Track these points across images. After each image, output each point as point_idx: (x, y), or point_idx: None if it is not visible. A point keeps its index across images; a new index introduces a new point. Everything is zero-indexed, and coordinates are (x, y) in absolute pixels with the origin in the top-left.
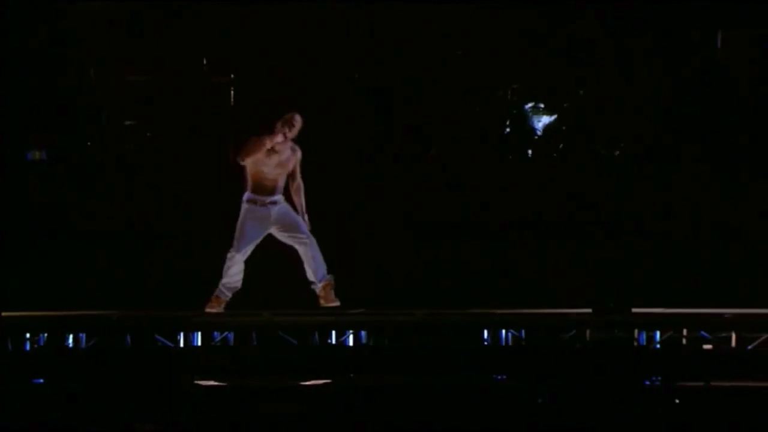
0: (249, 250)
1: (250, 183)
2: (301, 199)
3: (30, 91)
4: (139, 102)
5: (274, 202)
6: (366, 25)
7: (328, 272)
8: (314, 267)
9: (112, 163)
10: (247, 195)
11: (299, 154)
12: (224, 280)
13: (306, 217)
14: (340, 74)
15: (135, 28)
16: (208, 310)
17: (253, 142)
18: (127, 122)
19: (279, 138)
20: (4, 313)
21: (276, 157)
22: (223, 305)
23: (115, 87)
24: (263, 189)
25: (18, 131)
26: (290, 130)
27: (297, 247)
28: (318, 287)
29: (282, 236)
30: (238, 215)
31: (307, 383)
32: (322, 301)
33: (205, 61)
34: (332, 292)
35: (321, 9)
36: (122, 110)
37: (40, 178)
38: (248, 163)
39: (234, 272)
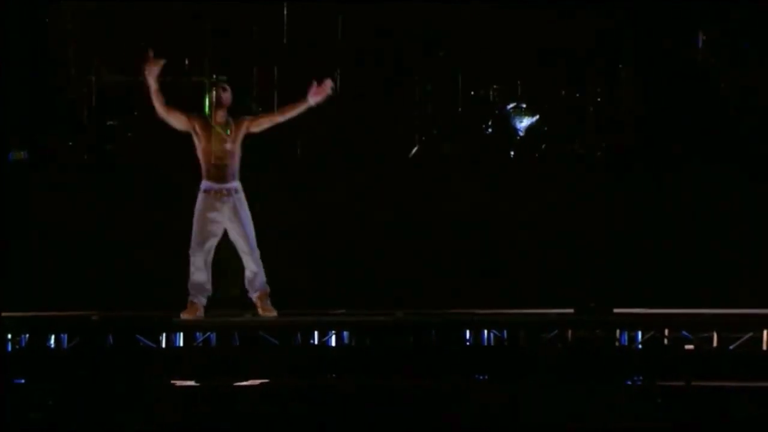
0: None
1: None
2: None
3: (11, 91)
4: (121, 102)
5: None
6: (347, 25)
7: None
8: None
9: (94, 162)
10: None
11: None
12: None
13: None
14: (321, 74)
15: (116, 28)
16: (183, 316)
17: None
18: (109, 122)
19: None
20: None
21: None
22: (197, 313)
23: (96, 87)
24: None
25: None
26: (220, 106)
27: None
28: (254, 296)
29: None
30: None
31: (289, 383)
32: (259, 311)
33: (186, 62)
34: (268, 301)
35: (302, 9)
36: (104, 110)
37: (21, 178)
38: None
39: (193, 271)
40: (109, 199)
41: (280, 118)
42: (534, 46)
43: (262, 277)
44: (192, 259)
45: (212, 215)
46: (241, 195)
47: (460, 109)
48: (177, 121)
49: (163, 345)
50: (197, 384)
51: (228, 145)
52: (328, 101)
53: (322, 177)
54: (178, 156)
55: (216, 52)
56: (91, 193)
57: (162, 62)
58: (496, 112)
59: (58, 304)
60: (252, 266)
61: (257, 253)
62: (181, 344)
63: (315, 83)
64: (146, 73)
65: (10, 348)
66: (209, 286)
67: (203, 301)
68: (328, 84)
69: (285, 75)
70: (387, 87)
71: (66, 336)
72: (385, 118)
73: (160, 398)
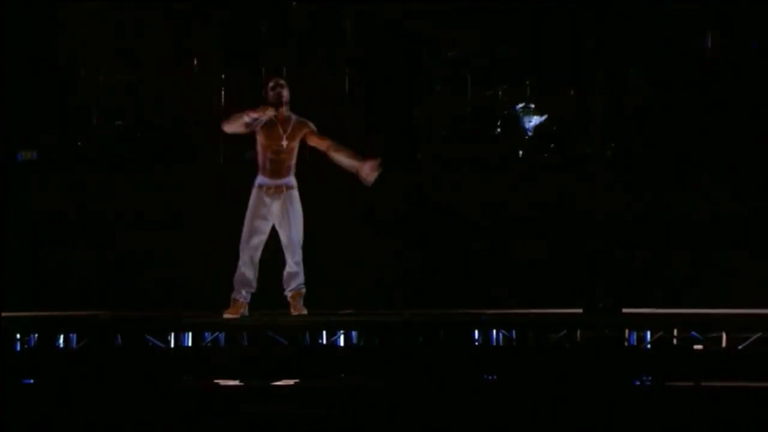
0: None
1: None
2: (343, 156)
3: (20, 92)
4: (130, 102)
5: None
6: (356, 25)
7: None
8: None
9: (103, 162)
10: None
11: (309, 125)
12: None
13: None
14: (330, 75)
15: (124, 28)
16: (225, 315)
17: (236, 115)
18: (117, 122)
19: (257, 114)
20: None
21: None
22: (241, 310)
23: (105, 87)
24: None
25: (8, 131)
26: (278, 106)
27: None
28: (289, 294)
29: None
30: (229, 214)
31: (297, 384)
32: (291, 309)
33: (195, 62)
34: (301, 301)
35: (311, 9)
36: (112, 110)
37: (30, 178)
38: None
39: (240, 266)
40: (118, 199)
41: (330, 153)
42: (542, 46)
43: (300, 278)
44: (240, 254)
45: (262, 211)
46: (294, 192)
47: (468, 109)
48: (236, 127)
49: (172, 345)
50: (206, 384)
51: (285, 143)
52: (334, 99)
53: (330, 177)
54: (186, 155)
55: (225, 52)
56: (99, 193)
57: (271, 114)
58: (505, 112)
59: (67, 304)
60: (292, 264)
61: (299, 253)
62: (190, 344)
63: (371, 163)
64: (256, 117)
65: (18, 348)
66: (254, 283)
67: (247, 298)
68: (377, 164)
69: (293, 76)
70: (395, 87)
71: (75, 336)
72: (393, 118)
73: (169, 398)
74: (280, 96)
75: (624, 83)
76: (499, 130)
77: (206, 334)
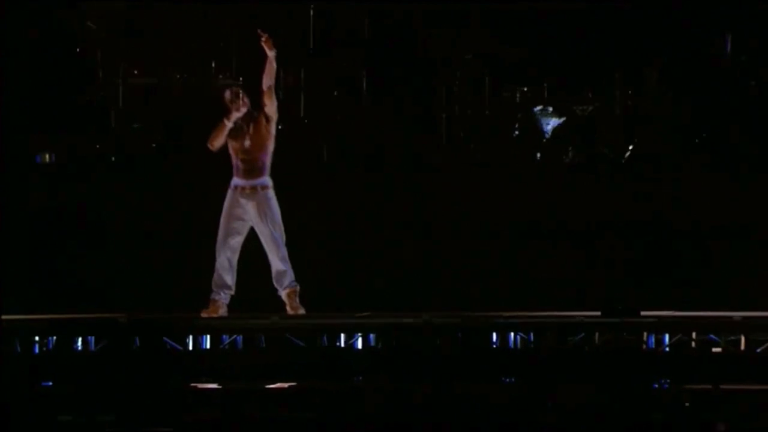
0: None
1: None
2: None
3: (39, 93)
4: (147, 104)
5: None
6: (373, 26)
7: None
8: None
9: (121, 165)
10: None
11: (269, 109)
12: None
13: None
14: (347, 75)
15: (143, 30)
16: (203, 315)
17: (216, 127)
18: (135, 125)
19: (235, 114)
20: (12, 317)
21: (246, 134)
22: (220, 310)
23: (122, 89)
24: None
25: (26, 133)
26: (241, 100)
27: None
28: (283, 293)
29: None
30: None
31: (315, 386)
32: (288, 308)
33: (213, 64)
34: (297, 299)
35: (328, 10)
36: (130, 113)
37: (49, 181)
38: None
39: (217, 268)
40: (136, 201)
41: (268, 83)
42: (560, 48)
43: (290, 275)
44: (217, 256)
45: (237, 212)
46: (269, 191)
47: (486, 112)
48: (222, 138)
49: (190, 347)
50: (223, 386)
51: (248, 143)
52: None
53: (348, 179)
54: (203, 157)
55: (242, 54)
56: (117, 195)
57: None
58: (522, 114)
59: (85, 306)
60: (278, 264)
61: (284, 251)
62: (208, 346)
63: (260, 36)
64: (233, 116)
65: (37, 350)
66: (232, 285)
67: (225, 299)
68: (264, 35)
69: (311, 77)
70: (413, 89)
71: (93, 338)
72: (411, 120)
73: (187, 400)
74: (239, 107)
75: (642, 84)
76: (517, 132)
77: (224, 336)
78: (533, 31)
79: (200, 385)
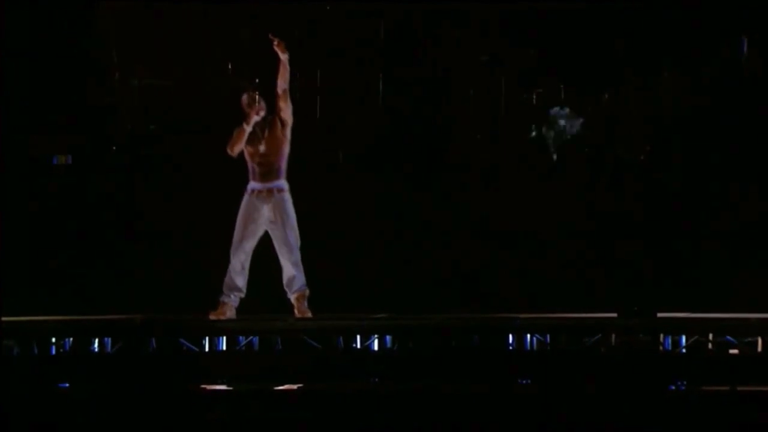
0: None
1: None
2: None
3: (51, 94)
4: (164, 106)
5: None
6: (388, 28)
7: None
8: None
9: (138, 166)
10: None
11: (284, 113)
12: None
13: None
14: (362, 78)
15: (159, 32)
16: (211, 317)
17: (235, 131)
18: (152, 126)
19: (255, 118)
20: (28, 318)
21: (262, 138)
22: (228, 313)
23: (139, 91)
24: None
25: (42, 135)
26: (259, 105)
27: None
28: (292, 297)
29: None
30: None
31: (331, 388)
32: (296, 312)
33: (230, 66)
34: (305, 303)
35: (344, 11)
36: (147, 115)
37: (66, 182)
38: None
39: (229, 270)
40: (151, 203)
41: (282, 86)
42: (576, 49)
43: (300, 280)
44: (231, 259)
45: (253, 216)
46: (285, 195)
47: (503, 114)
48: (242, 143)
49: (206, 348)
50: (237, 388)
51: (263, 147)
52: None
53: (363, 180)
54: (218, 159)
55: (256, 56)
56: (132, 197)
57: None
58: (538, 116)
59: (102, 307)
60: (289, 269)
61: (297, 255)
62: (224, 348)
63: (273, 41)
64: (252, 119)
65: (54, 351)
66: (243, 288)
67: (235, 302)
68: (273, 37)
69: (327, 79)
70: (429, 91)
71: (110, 340)
72: (426, 122)
73: (201, 402)
74: (258, 110)
75: (659, 86)
76: (533, 134)
77: (240, 338)
78: (548, 32)
79: (215, 387)
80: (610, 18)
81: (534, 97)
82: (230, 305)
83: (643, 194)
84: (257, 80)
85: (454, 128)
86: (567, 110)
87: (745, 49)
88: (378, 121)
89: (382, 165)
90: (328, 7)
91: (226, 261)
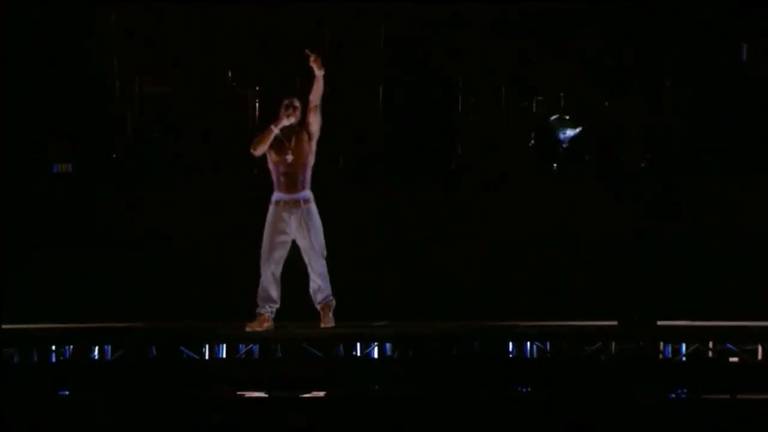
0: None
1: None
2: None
3: (53, 101)
4: (164, 113)
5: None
6: (390, 35)
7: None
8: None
9: (139, 173)
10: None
11: (313, 127)
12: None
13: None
14: (364, 84)
15: (160, 40)
16: (248, 329)
17: (263, 132)
18: (153, 134)
19: (284, 122)
20: (29, 326)
21: (289, 147)
22: (265, 324)
23: (139, 98)
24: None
25: (42, 142)
26: (294, 112)
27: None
28: (318, 306)
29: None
30: (263, 225)
31: (331, 395)
32: (321, 322)
33: (229, 73)
34: (330, 313)
35: (346, 17)
36: (146, 122)
37: (67, 190)
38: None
39: (261, 282)
40: (153, 210)
41: (315, 101)
42: (577, 57)
43: (327, 290)
44: (262, 271)
45: (280, 226)
46: (311, 205)
47: (503, 121)
48: (266, 144)
49: (206, 356)
50: (238, 395)
51: (290, 157)
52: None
53: (364, 188)
54: (220, 167)
55: (259, 62)
56: (133, 205)
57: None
58: (539, 124)
59: (102, 315)
60: (316, 279)
61: (323, 265)
62: (224, 356)
63: (309, 57)
64: (281, 122)
65: (54, 359)
66: (277, 298)
67: (271, 313)
68: (309, 53)
69: (329, 85)
70: (430, 99)
71: (110, 347)
72: (428, 129)
73: (201, 409)
74: (290, 115)
75: (660, 94)
76: (533, 141)
77: (240, 346)
78: (549, 40)
79: (213, 395)
80: (610, 27)
81: (534, 104)
82: (267, 316)
83: (644, 202)
84: (257, 86)
85: (455, 136)
86: (567, 118)
87: (745, 55)
88: (378, 128)
89: (381, 173)
90: (329, 13)
91: (227, 267)
